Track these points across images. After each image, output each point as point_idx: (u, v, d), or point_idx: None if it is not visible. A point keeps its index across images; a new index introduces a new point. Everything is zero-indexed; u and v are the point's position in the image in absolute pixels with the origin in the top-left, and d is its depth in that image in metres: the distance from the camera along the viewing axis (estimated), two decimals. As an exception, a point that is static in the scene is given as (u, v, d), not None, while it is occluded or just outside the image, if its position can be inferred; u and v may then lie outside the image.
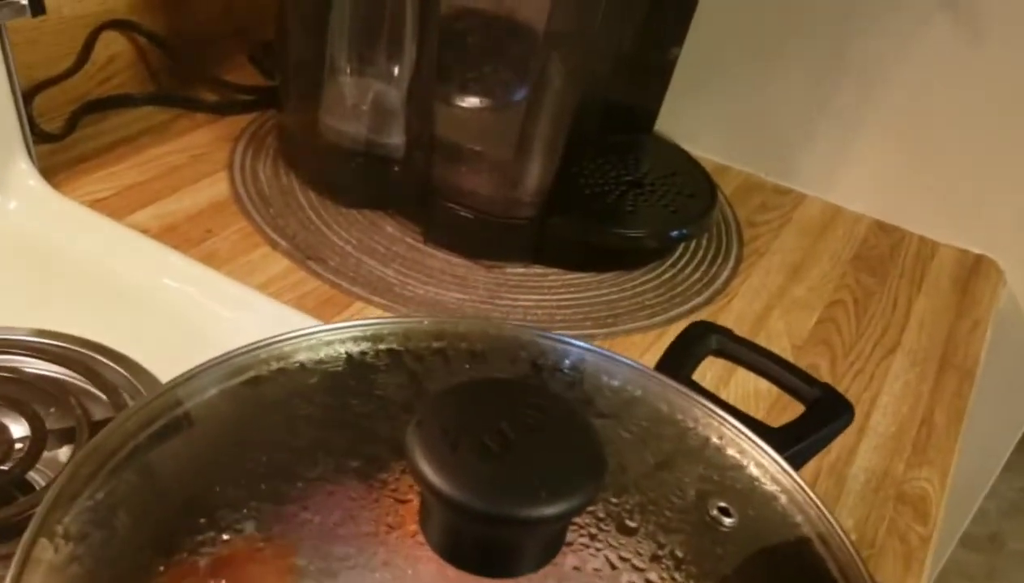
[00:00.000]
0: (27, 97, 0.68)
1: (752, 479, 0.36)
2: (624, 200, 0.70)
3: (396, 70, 0.66)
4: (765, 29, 0.83)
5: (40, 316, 0.51)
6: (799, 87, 0.83)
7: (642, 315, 0.65)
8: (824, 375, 0.63)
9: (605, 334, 0.63)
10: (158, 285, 0.60)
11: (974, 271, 0.78)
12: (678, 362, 0.44)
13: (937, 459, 0.58)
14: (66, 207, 0.64)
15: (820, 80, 0.82)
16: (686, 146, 0.85)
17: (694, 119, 0.87)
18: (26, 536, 0.27)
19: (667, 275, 0.71)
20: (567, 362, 0.39)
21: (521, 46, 0.61)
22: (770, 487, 0.36)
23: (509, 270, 0.67)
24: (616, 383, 0.38)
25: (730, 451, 0.37)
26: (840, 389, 0.58)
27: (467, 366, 0.37)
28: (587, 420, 0.28)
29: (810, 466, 0.55)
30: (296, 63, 0.71)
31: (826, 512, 0.34)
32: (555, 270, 0.68)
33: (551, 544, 0.28)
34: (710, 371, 0.59)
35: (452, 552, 0.28)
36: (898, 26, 0.76)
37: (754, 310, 0.69)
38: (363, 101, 0.68)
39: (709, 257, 0.74)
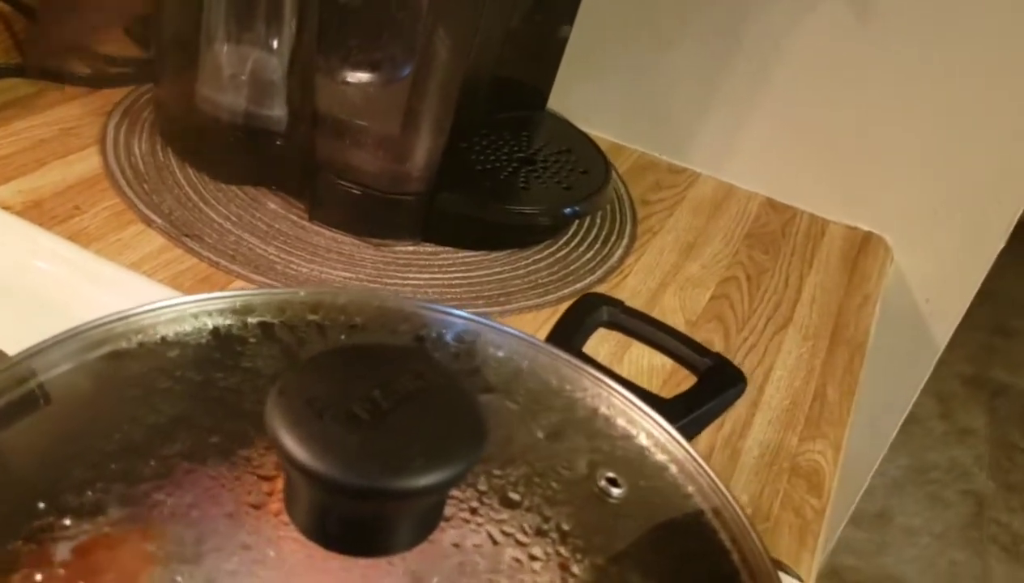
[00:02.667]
0: None
1: (642, 450, 0.35)
2: (516, 177, 0.68)
3: (276, 41, 0.63)
4: (659, 7, 0.82)
5: None
6: (693, 66, 0.83)
7: (534, 293, 0.64)
8: (718, 349, 0.63)
9: (498, 312, 0.62)
10: (21, 264, 0.56)
11: (863, 248, 0.79)
12: (569, 334, 0.43)
13: (830, 432, 0.58)
14: (-85, 182, 0.60)
15: (713, 59, 0.82)
16: (581, 125, 0.84)
17: (588, 98, 0.86)
18: None
19: (561, 253, 0.69)
20: (452, 333, 0.37)
21: (406, 18, 0.58)
22: (661, 457, 0.34)
23: (399, 248, 0.65)
24: (502, 354, 0.36)
25: (620, 422, 0.36)
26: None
27: (344, 338, 0.35)
28: (466, 388, 0.27)
29: (704, 439, 0.55)
30: (172, 32, 0.67)
31: (719, 483, 0.33)
32: (446, 248, 0.66)
33: (427, 519, 0.26)
34: (604, 346, 0.58)
35: (318, 531, 0.26)
36: (789, 3, 0.77)
37: (648, 287, 0.68)
38: (242, 71, 0.64)
39: (603, 235, 0.73)
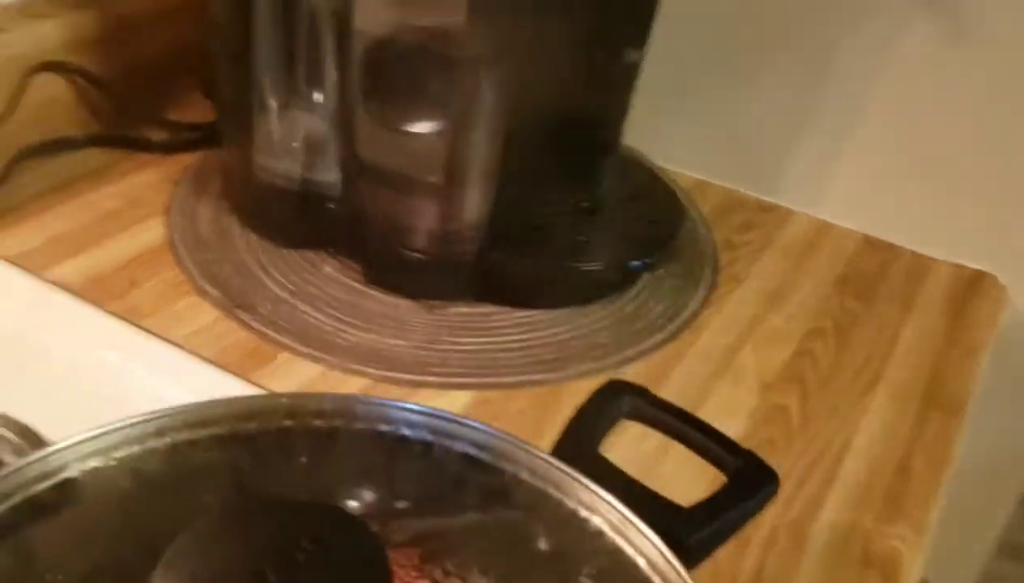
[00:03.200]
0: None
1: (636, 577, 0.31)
2: (577, 229, 0.65)
3: (321, 101, 0.62)
4: (741, 38, 0.77)
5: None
6: (780, 96, 0.77)
7: (593, 355, 0.61)
8: (794, 416, 0.58)
9: (554, 379, 0.59)
10: (71, 346, 0.57)
11: (972, 289, 0.72)
12: (585, 430, 0.40)
13: (914, 513, 0.52)
14: (-14, 263, 0.62)
15: (802, 89, 0.76)
16: (661, 162, 0.80)
17: (669, 133, 0.81)
18: None
19: (628, 309, 0.66)
20: (435, 437, 0.34)
21: (444, 70, 0.56)
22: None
23: (452, 310, 0.63)
24: (495, 463, 0.34)
25: (615, 541, 0.32)
26: (810, 433, 0.53)
27: (304, 460, 0.33)
28: (377, 546, 0.24)
29: (767, 521, 0.50)
30: (230, 97, 0.67)
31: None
32: (502, 309, 0.63)
33: None
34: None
35: None
36: (877, 29, 0.70)
37: (722, 345, 0.64)
38: (294, 138, 0.64)
39: (677, 286, 0.68)
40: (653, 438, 0.53)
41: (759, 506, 0.38)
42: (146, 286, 0.62)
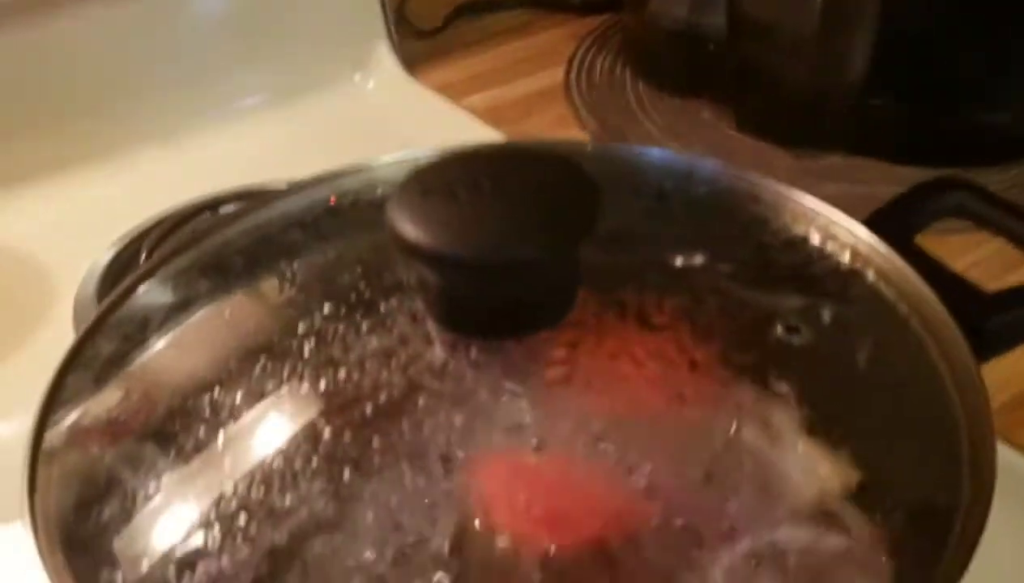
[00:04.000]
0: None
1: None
2: (979, 70, 0.58)
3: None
4: None
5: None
6: None
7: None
8: None
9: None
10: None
11: None
12: (899, 217, 0.37)
13: None
14: (414, 89, 0.71)
15: None
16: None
17: None
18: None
19: (1033, 177, 0.58)
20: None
21: None
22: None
23: (822, 159, 0.61)
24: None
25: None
26: None
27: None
28: (590, 181, 0.26)
29: None
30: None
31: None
32: (879, 162, 0.60)
33: (546, 302, 0.26)
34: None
35: (446, 317, 0.27)
36: None
37: None
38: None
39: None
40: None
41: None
42: (537, 117, 0.68)
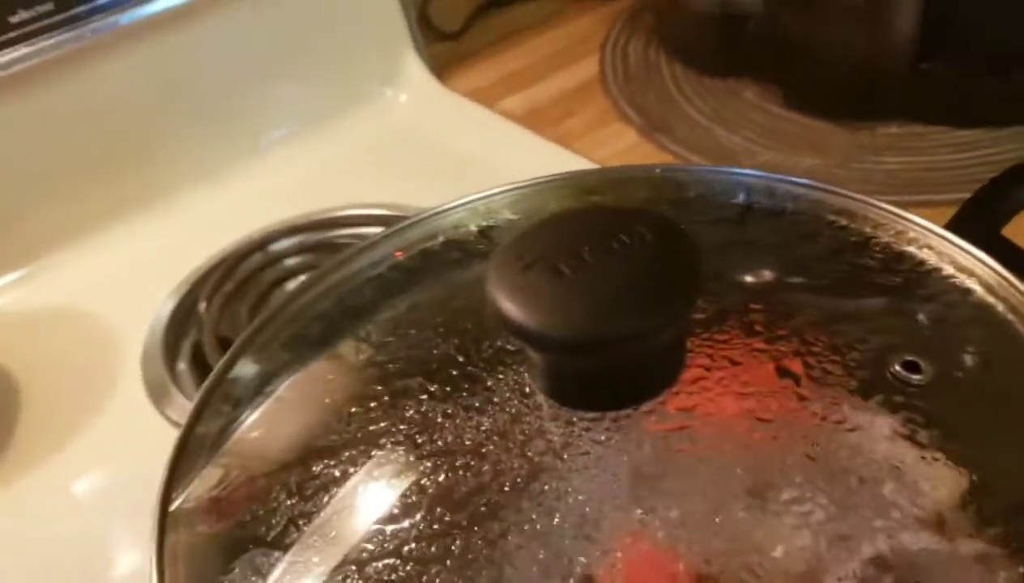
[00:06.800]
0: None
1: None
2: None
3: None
4: None
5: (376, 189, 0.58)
6: None
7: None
8: None
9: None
10: (510, 166, 0.63)
11: None
12: (983, 211, 0.36)
13: None
14: (447, 97, 0.70)
15: None
16: None
17: None
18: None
19: (1095, 129, 0.57)
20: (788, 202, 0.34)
21: None
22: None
23: (880, 130, 0.59)
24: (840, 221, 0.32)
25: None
26: None
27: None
28: (693, 248, 0.25)
29: None
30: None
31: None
32: (938, 128, 0.58)
33: (649, 373, 0.25)
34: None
35: (551, 389, 0.26)
36: None
37: None
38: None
39: None
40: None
41: None
42: (578, 115, 0.67)
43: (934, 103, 0.58)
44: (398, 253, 0.36)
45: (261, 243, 0.58)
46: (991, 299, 0.30)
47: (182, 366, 0.52)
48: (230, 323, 0.53)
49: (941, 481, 0.25)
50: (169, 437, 0.47)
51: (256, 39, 0.65)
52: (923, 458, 0.25)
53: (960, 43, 0.57)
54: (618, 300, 0.24)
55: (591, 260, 0.25)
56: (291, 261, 0.57)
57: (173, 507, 0.28)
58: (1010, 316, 0.29)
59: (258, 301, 0.54)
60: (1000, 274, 0.30)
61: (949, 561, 0.24)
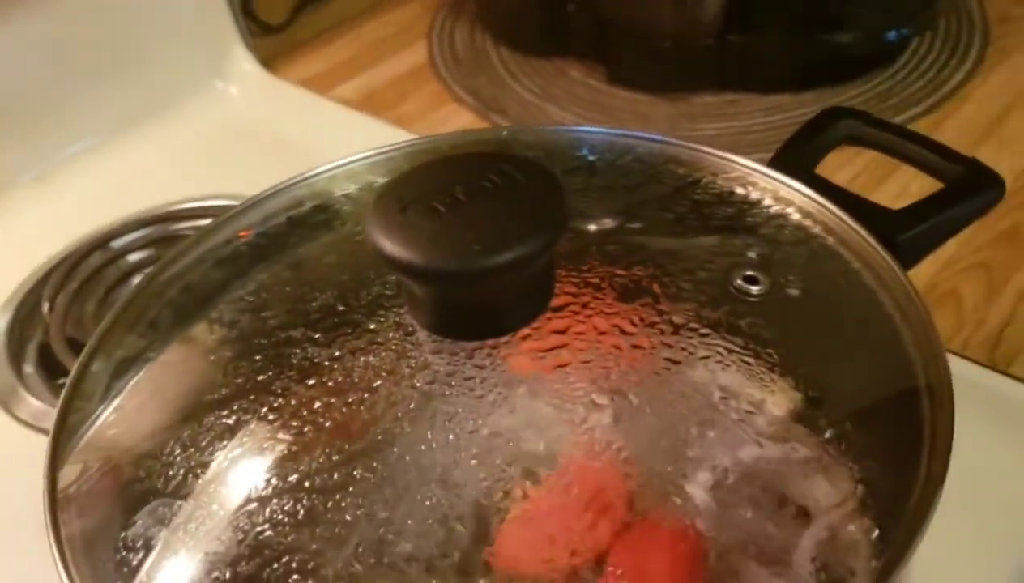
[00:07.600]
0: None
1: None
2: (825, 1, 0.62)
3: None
4: None
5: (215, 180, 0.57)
6: None
7: (839, 130, 0.59)
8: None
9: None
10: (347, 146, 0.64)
11: None
12: (798, 152, 0.40)
13: None
14: (278, 87, 0.70)
15: None
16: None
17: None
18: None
19: (883, 87, 0.63)
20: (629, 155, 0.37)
21: None
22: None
23: (695, 100, 0.64)
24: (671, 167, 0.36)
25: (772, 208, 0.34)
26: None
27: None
28: (556, 181, 0.27)
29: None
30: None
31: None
32: (749, 95, 0.63)
33: (521, 302, 0.27)
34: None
35: (433, 324, 0.28)
36: None
37: (987, 115, 0.60)
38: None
39: (940, 61, 0.65)
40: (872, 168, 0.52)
41: (978, 211, 0.37)
42: (412, 99, 0.68)
43: (743, 72, 0.63)
44: (243, 233, 0.37)
45: (102, 241, 0.56)
46: (809, 223, 0.34)
47: (29, 369, 0.50)
48: (76, 322, 0.52)
49: (778, 386, 0.28)
50: (22, 437, 0.46)
51: (82, 34, 0.63)
52: (765, 359, 0.28)
53: (762, 16, 0.62)
54: (493, 232, 0.26)
55: (464, 198, 0.26)
56: (134, 256, 0.56)
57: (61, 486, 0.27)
58: (827, 236, 0.33)
59: (105, 297, 0.52)
60: (817, 201, 0.34)
61: (784, 465, 0.27)
